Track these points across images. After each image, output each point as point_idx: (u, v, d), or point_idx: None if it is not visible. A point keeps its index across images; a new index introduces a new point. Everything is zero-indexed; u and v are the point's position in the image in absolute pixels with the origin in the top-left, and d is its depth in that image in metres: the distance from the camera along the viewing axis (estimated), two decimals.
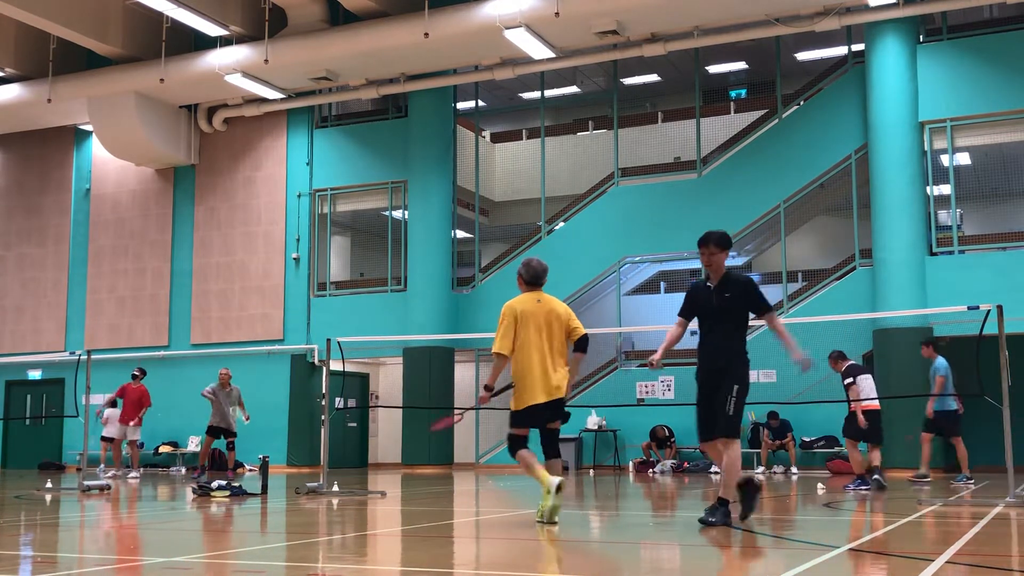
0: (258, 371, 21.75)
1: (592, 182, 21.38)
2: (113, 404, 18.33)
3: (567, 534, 6.84)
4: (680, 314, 7.62)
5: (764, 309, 7.30)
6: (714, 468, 17.90)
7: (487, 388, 7.47)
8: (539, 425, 7.60)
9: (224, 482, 11.80)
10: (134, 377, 17.91)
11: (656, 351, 7.80)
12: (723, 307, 7.26)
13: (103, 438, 18.72)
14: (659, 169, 20.60)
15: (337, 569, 5.28)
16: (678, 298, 24.61)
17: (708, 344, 7.51)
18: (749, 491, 7.19)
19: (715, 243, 7.29)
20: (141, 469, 20.10)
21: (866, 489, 11.78)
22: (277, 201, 22.26)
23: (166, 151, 22.07)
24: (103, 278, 23.49)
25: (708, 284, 7.39)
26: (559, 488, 7.27)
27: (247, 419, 16.68)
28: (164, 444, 21.89)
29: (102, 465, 18.39)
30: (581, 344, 7.68)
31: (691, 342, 22.05)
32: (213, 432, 16.35)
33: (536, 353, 7.37)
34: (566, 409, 7.69)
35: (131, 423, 17.68)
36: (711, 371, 7.46)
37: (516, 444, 7.59)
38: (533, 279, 7.64)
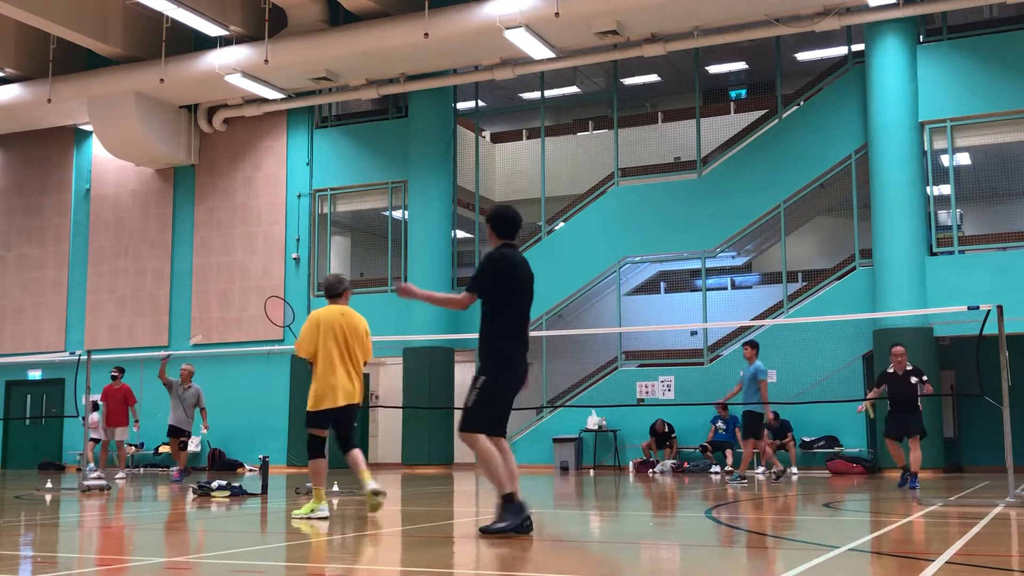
0: (258, 371, 21.76)
1: (592, 182, 21.38)
2: (95, 407, 17.87)
3: (567, 534, 6.84)
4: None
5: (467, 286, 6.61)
6: (714, 468, 17.90)
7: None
8: (332, 426, 8.23)
9: (224, 482, 11.79)
10: (113, 378, 17.22)
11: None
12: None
13: (92, 439, 18.44)
14: (659, 169, 20.60)
15: (337, 569, 5.28)
16: (679, 298, 24.56)
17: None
18: (512, 508, 6.40)
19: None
20: (141, 469, 20.10)
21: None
22: (277, 201, 22.26)
23: (166, 151, 22.07)
24: (103, 278, 23.49)
25: None
26: (376, 492, 8.17)
27: (205, 428, 16.33)
28: (164, 444, 21.88)
29: (91, 464, 17.98)
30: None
31: (691, 342, 22.00)
32: (172, 432, 15.91)
33: (337, 361, 8.05)
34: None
35: (119, 426, 17.04)
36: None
37: (316, 446, 8.22)
38: (326, 292, 8.43)
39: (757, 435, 14.21)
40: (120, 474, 17.28)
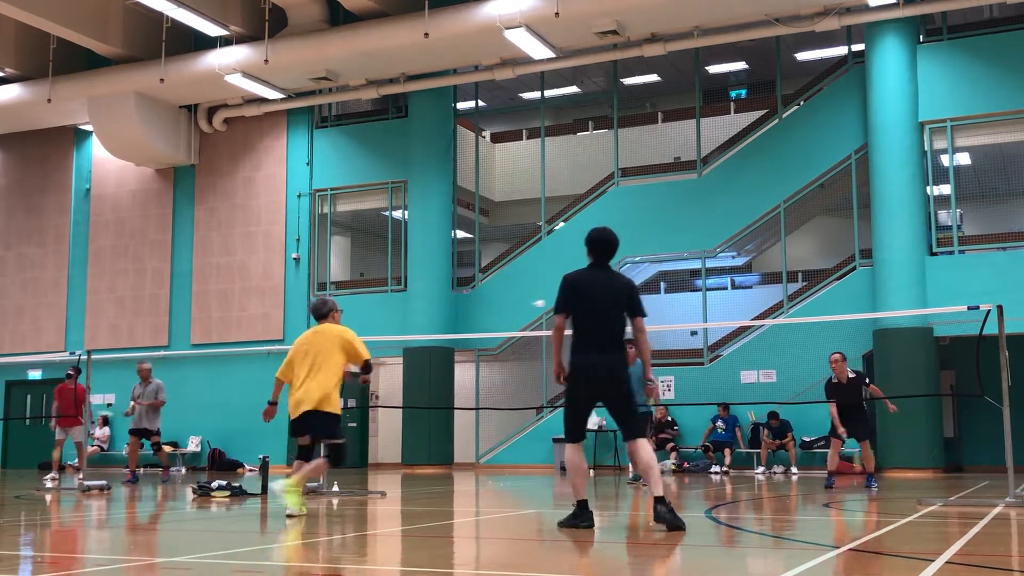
0: (258, 371, 21.73)
1: (592, 182, 21.38)
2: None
3: (568, 534, 6.84)
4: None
5: None
6: (714, 468, 17.91)
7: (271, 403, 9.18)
8: (304, 434, 8.75)
9: (224, 482, 11.79)
10: (68, 376, 15.91)
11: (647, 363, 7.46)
12: None
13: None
14: (659, 169, 20.60)
15: (337, 569, 5.28)
16: (679, 298, 24.62)
17: None
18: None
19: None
20: (141, 470, 19.96)
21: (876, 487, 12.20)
22: (277, 201, 22.26)
23: (166, 151, 22.07)
24: (103, 278, 23.49)
25: None
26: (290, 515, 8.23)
27: (127, 414, 15.68)
28: (164, 444, 21.88)
29: (53, 473, 15.59)
30: (362, 367, 8.72)
31: (691, 342, 22.00)
32: (136, 433, 15.44)
33: (301, 374, 8.61)
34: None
35: (75, 426, 15.66)
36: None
37: (298, 451, 8.89)
38: (314, 316, 8.96)
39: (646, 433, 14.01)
40: (79, 475, 16.45)
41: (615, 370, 6.96)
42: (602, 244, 7.20)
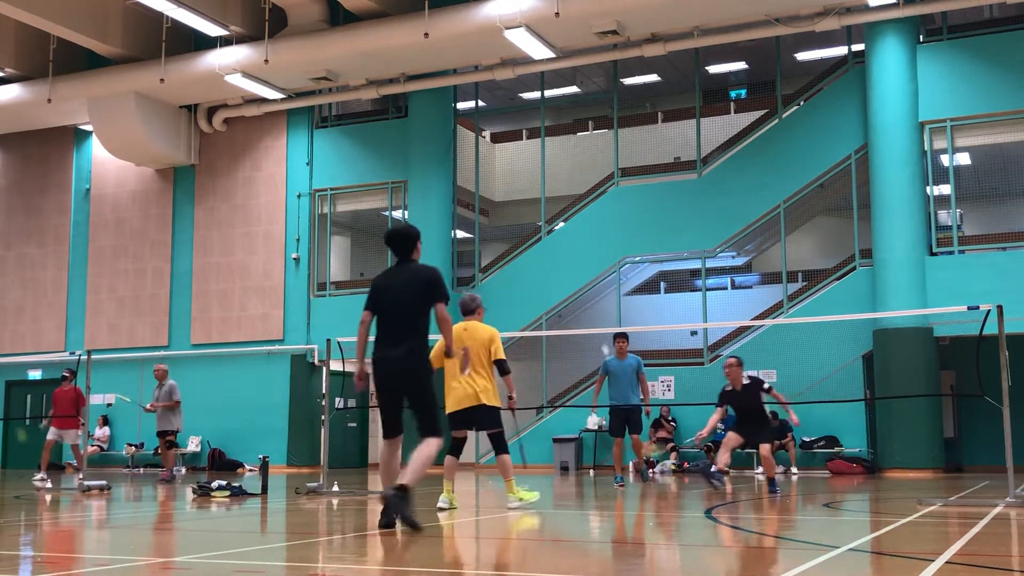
0: (258, 371, 21.75)
1: (592, 182, 21.37)
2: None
3: (568, 534, 6.84)
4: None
5: None
6: (714, 468, 17.88)
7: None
8: (466, 428, 9.13)
9: (224, 482, 11.78)
10: (64, 379, 15.69)
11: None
12: None
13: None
14: (659, 169, 20.59)
15: (337, 569, 5.28)
16: (679, 298, 24.53)
17: None
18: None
19: None
20: (141, 469, 19.99)
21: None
22: (277, 201, 22.26)
23: (166, 151, 22.07)
24: (103, 278, 23.49)
25: None
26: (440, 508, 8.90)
27: (147, 410, 16.28)
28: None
29: (42, 474, 15.32)
30: (499, 366, 9.19)
31: (691, 342, 21.96)
32: (160, 435, 15.97)
33: (456, 369, 8.89)
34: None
35: (70, 428, 15.45)
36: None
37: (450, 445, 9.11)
38: (462, 311, 9.51)
39: (639, 429, 13.69)
40: (79, 475, 16.41)
41: (407, 360, 7.05)
42: (392, 240, 7.52)
